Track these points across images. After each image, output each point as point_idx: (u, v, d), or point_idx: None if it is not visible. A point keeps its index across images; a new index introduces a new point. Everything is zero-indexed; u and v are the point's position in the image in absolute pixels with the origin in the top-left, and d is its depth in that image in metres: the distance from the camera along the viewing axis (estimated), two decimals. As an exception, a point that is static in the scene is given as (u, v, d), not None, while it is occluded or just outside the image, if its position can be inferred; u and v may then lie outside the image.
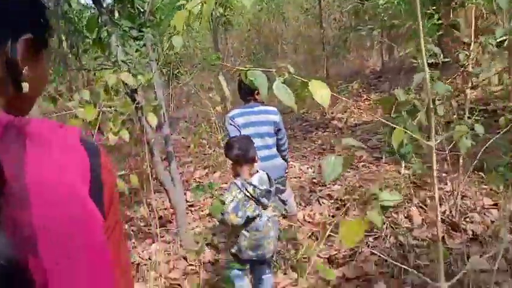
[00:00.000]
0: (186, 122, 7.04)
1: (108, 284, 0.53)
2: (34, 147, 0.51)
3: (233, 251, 2.31)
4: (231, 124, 2.87)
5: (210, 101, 5.41)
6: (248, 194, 2.18)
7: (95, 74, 1.93)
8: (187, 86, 7.26)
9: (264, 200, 2.24)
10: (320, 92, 1.23)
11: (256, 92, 2.86)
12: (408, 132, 1.66)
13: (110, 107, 2.13)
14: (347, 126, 6.09)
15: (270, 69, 1.32)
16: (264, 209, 2.26)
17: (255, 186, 2.20)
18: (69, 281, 0.49)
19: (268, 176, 2.33)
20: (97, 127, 2.01)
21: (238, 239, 2.25)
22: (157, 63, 2.59)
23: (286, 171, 3.18)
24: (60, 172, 0.51)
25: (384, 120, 1.44)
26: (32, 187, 0.48)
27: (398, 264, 1.81)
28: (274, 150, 2.97)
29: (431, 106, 1.46)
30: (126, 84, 2.25)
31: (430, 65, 3.08)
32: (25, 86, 0.58)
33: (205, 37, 12.09)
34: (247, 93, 2.87)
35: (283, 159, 3.13)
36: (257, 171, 2.31)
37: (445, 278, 2.54)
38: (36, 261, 0.47)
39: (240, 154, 2.27)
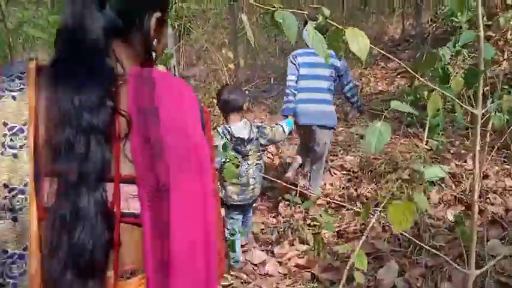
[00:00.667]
0: (195, 80, 6.82)
1: (211, 194, 0.70)
2: (161, 88, 0.67)
3: (221, 196, 2.49)
4: (292, 62, 3.00)
5: (222, 57, 5.17)
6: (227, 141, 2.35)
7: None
8: (199, 42, 6.97)
9: (239, 148, 2.39)
10: (358, 42, 1.04)
11: None
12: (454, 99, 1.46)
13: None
14: (362, 95, 5.85)
15: (302, 11, 1.12)
16: (246, 156, 2.42)
17: (231, 134, 2.37)
18: (185, 186, 0.65)
19: (251, 125, 2.47)
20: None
21: (224, 184, 2.42)
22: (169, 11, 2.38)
23: (335, 126, 3.14)
24: (182, 108, 0.69)
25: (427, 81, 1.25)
26: (162, 112, 0.65)
27: (415, 240, 1.68)
28: (327, 96, 2.98)
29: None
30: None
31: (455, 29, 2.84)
32: (153, 55, 0.75)
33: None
34: None
35: (356, 107, 3.32)
36: (241, 119, 2.45)
37: (462, 261, 2.40)
38: (162, 163, 0.63)
39: (225, 102, 2.42)
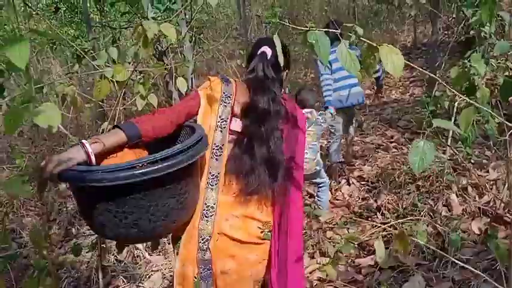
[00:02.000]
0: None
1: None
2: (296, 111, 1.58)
3: None
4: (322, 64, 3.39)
5: (233, 67, 5.15)
6: None
7: (120, 32, 1.72)
8: (211, 53, 6.98)
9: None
10: (392, 59, 1.01)
11: None
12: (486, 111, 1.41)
13: (136, 70, 1.91)
14: (376, 104, 5.79)
15: (335, 30, 1.10)
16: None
17: None
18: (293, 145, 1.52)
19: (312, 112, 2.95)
20: (122, 90, 1.80)
21: None
22: (189, 24, 2.36)
23: (363, 102, 3.75)
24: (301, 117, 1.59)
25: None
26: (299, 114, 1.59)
27: (441, 252, 1.61)
28: (354, 80, 3.47)
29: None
30: (155, 45, 2.03)
31: (483, 38, 2.78)
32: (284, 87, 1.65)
33: (229, 3, 11.66)
34: (335, 34, 3.05)
35: (378, 84, 3.91)
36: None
37: (490, 275, 2.31)
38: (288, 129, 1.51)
39: (301, 100, 3.00)
